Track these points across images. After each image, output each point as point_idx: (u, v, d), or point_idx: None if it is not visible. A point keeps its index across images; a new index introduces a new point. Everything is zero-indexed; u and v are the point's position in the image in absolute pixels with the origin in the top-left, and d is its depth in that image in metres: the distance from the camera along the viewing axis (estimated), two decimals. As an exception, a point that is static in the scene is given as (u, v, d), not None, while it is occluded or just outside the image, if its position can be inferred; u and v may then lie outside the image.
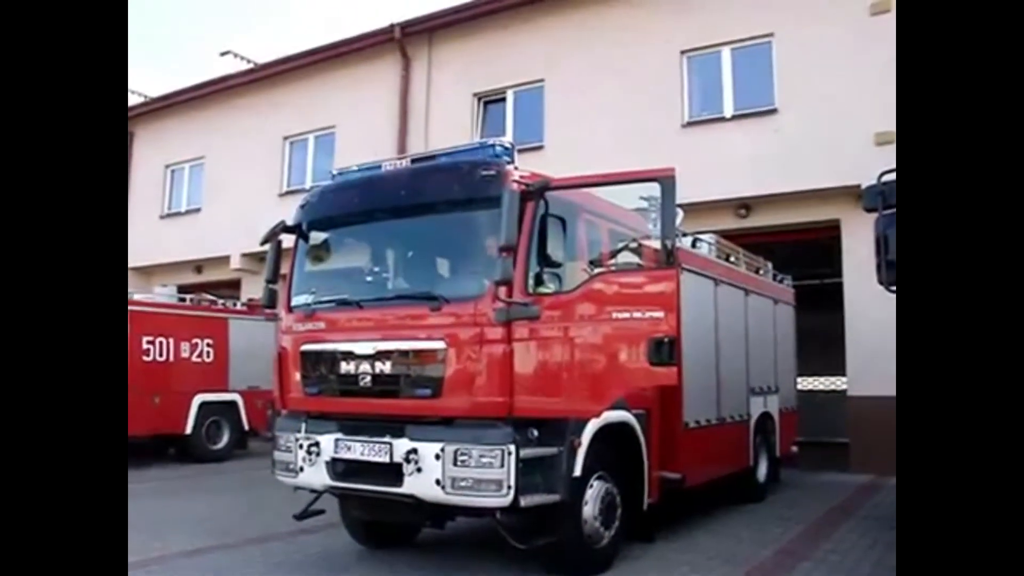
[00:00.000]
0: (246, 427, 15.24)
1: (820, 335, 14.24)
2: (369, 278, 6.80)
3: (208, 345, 14.69)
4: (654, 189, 5.70)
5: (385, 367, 6.08)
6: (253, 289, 17.50)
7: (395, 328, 6.12)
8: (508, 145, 6.21)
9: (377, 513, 6.66)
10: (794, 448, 11.58)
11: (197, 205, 20.79)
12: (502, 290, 5.63)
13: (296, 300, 6.85)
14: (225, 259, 19.14)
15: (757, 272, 10.76)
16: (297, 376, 6.64)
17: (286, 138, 19.14)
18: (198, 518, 8.98)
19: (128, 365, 13.03)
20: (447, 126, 16.04)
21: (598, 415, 6.11)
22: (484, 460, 5.55)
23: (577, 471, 5.98)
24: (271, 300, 7.04)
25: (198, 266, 20.45)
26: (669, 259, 5.71)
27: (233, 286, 19.22)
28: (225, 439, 15.01)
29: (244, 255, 18.58)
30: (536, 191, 5.86)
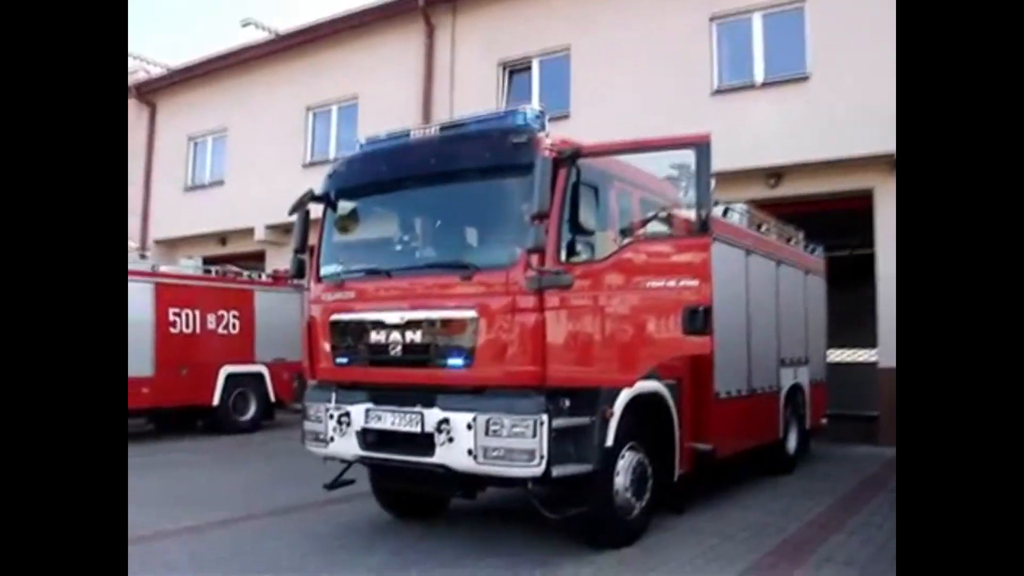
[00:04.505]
0: (272, 398, 15.36)
1: (851, 307, 14.11)
2: (398, 247, 6.79)
3: (234, 317, 14.77)
4: (687, 156, 5.64)
5: (415, 337, 6.09)
6: (277, 261, 17.61)
7: (425, 297, 6.11)
8: (539, 112, 6.14)
9: (407, 483, 6.70)
10: (823, 420, 11.53)
11: (221, 177, 20.84)
12: (534, 258, 5.59)
13: (325, 270, 6.86)
14: (249, 231, 19.21)
15: (788, 242, 10.66)
16: (327, 346, 6.66)
17: (309, 108, 19.10)
18: (227, 489, 9.09)
19: (155, 338, 13.24)
20: (472, 95, 15.93)
21: (631, 385, 6.10)
22: (516, 430, 5.55)
23: (609, 441, 5.97)
24: (299, 270, 7.03)
25: (222, 238, 20.56)
26: (703, 227, 5.66)
27: (257, 258, 19.31)
28: (252, 411, 15.12)
29: (268, 227, 18.65)
30: (568, 158, 5.81)
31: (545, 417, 5.55)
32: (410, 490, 6.99)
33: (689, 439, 7.18)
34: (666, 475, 6.81)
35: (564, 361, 5.75)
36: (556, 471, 5.61)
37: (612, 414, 6.00)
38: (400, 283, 6.32)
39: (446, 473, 5.90)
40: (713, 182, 7.03)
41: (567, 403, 5.80)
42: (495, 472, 5.73)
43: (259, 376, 15.15)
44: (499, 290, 5.76)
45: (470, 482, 6.16)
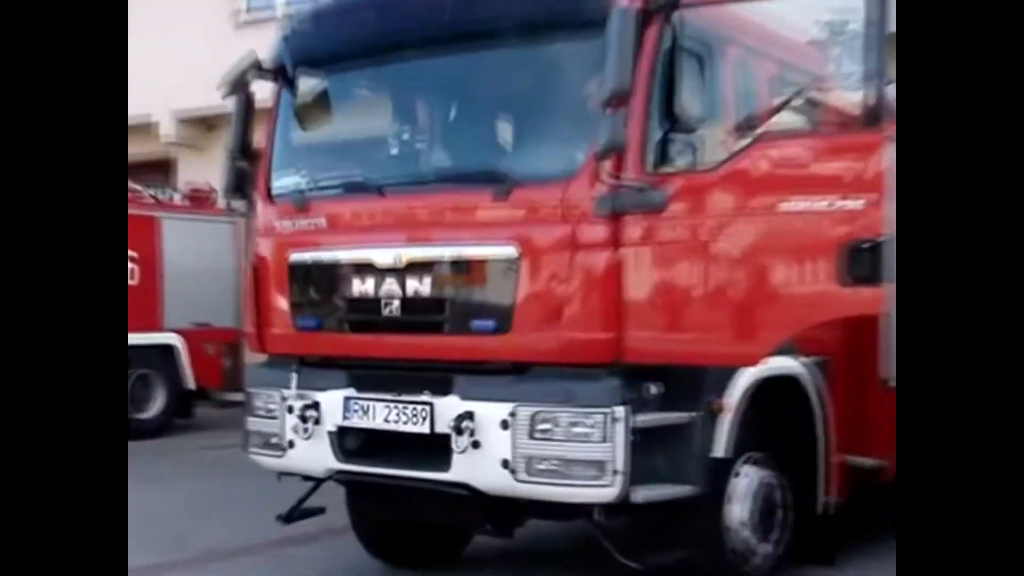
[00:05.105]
0: (190, 385, 15.50)
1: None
2: (394, 150, 6.86)
3: (130, 260, 14.83)
4: (849, 6, 5.60)
5: (422, 287, 6.13)
6: (196, 172, 17.60)
7: (437, 226, 6.18)
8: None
9: (408, 512, 6.82)
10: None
11: (104, 43, 20.87)
12: (606, 165, 5.59)
13: (280, 184, 6.93)
14: (150, 126, 19.27)
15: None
16: (283, 302, 6.74)
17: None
18: (135, 522, 9.18)
19: None
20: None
21: (754, 363, 6.09)
22: (577, 430, 5.59)
23: (720, 450, 6.01)
24: (237, 184, 7.07)
25: (109, 137, 20.64)
26: (874, 117, 5.58)
27: (163, 167, 19.39)
28: (158, 404, 15.27)
29: (182, 120, 18.70)
30: (661, 7, 5.74)
31: (622, 411, 5.58)
32: (411, 523, 7.10)
33: (843, 449, 7.19)
34: (806, 505, 6.86)
35: (650, 325, 5.78)
36: (639, 494, 5.66)
37: (725, 408, 6.03)
38: (398, 204, 6.37)
39: (468, 497, 5.96)
40: (890, 47, 7.02)
41: (655, 390, 5.85)
42: (544, 495, 5.81)
43: (168, 351, 15.27)
44: (551, 215, 5.79)
45: (505, 511, 6.22)
